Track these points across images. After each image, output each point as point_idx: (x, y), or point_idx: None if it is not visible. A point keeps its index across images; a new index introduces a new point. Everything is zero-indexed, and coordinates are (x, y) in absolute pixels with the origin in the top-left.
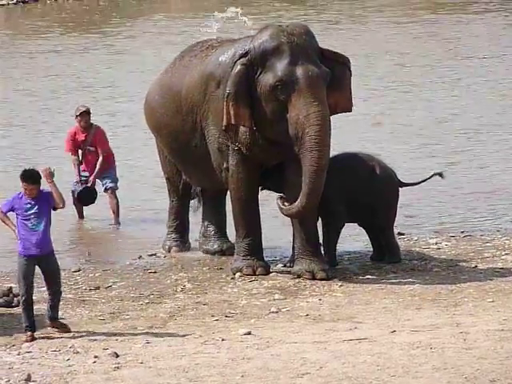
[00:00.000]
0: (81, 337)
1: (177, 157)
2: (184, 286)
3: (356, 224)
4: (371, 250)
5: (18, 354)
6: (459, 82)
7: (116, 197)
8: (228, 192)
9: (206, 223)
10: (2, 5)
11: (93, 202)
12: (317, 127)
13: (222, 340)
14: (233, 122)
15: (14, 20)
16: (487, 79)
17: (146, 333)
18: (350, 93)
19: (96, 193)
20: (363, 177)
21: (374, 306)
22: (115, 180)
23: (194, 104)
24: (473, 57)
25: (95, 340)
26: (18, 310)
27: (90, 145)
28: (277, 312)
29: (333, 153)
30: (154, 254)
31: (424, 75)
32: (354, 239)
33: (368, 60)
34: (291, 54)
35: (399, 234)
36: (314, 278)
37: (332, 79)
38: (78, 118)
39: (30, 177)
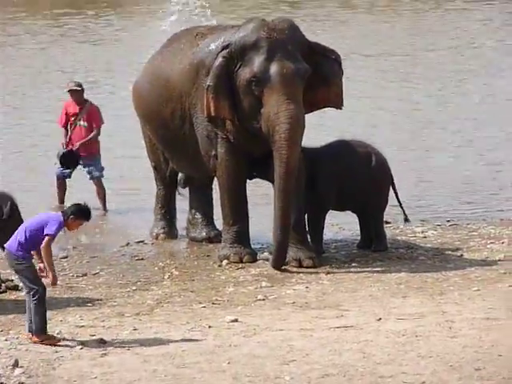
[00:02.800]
0: (68, 323)
1: (165, 144)
2: (171, 273)
3: (342, 212)
4: (358, 238)
5: (6, 340)
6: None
7: (102, 185)
8: (215, 179)
9: (193, 211)
10: None
11: (74, 167)
12: (286, 125)
13: (209, 327)
14: (213, 113)
15: None
16: None
17: (133, 319)
18: (340, 89)
19: (79, 158)
20: (357, 163)
21: (360, 293)
22: (100, 169)
23: (183, 91)
24: None
25: (82, 326)
26: (6, 296)
27: (83, 119)
28: (263, 299)
29: (327, 139)
30: (142, 241)
31: None
32: (340, 227)
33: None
34: (269, 49)
35: (386, 222)
36: (300, 266)
37: (320, 74)
38: (69, 93)
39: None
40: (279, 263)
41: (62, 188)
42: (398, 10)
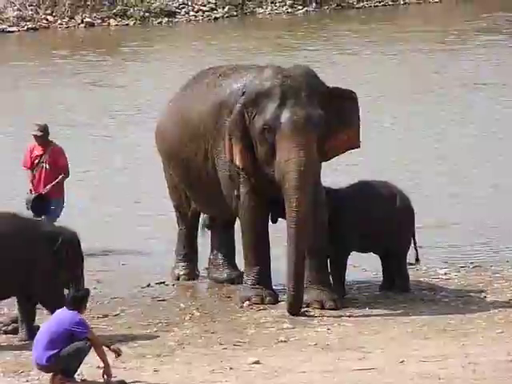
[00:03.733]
0: (89, 364)
1: (188, 184)
2: (192, 314)
3: (364, 253)
4: (380, 279)
5: (27, 381)
6: None
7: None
8: (237, 220)
9: (214, 251)
10: (13, 31)
11: (44, 213)
12: (296, 173)
13: (231, 369)
14: (232, 160)
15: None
16: None
17: (155, 361)
18: (358, 127)
19: (51, 201)
20: (380, 204)
21: (382, 335)
22: (59, 212)
23: (206, 131)
24: None
25: (103, 367)
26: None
27: (46, 162)
28: (285, 341)
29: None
30: (163, 282)
31: None
32: (362, 269)
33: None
34: (281, 96)
35: (409, 264)
36: (323, 308)
37: (341, 117)
38: (34, 137)
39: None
40: (294, 310)
41: None
42: None
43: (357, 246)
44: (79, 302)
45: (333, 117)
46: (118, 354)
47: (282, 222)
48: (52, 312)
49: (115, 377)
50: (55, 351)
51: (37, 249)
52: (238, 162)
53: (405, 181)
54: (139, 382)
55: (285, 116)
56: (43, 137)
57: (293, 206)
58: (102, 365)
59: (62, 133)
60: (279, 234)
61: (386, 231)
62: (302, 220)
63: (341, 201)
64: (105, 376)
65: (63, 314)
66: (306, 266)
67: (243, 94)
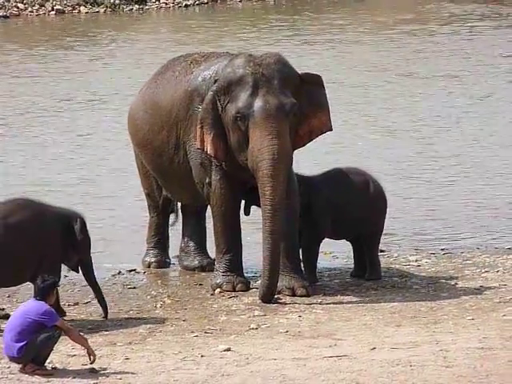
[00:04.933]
0: (59, 352)
1: (159, 172)
2: (163, 301)
3: (335, 240)
4: (351, 266)
5: None
6: None
7: None
8: (209, 207)
9: (185, 239)
10: None
11: None
12: (269, 162)
13: (202, 356)
14: (204, 148)
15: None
16: None
17: (125, 349)
18: (329, 111)
19: None
20: (353, 191)
21: (354, 322)
22: None
23: (177, 119)
24: None
25: (74, 356)
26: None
27: None
28: (256, 328)
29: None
30: (134, 270)
31: None
32: (334, 256)
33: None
34: (253, 85)
35: (380, 251)
36: (294, 295)
37: (313, 102)
38: None
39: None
40: (268, 298)
41: None
42: None
43: (329, 232)
44: (46, 291)
45: (305, 102)
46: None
47: (254, 209)
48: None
49: (85, 365)
50: (24, 342)
51: (50, 232)
52: (209, 150)
53: (380, 167)
54: (110, 369)
55: (257, 104)
56: None
57: (267, 194)
58: (72, 353)
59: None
60: (250, 220)
61: (358, 218)
62: (276, 208)
63: (313, 187)
64: (91, 357)
65: (30, 305)
66: None
67: (215, 81)
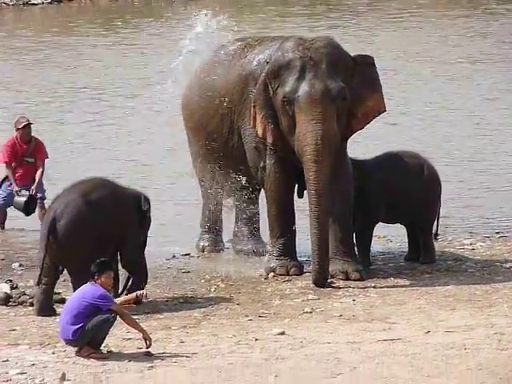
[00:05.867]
0: (115, 336)
1: (213, 157)
2: (218, 285)
3: (389, 224)
4: (405, 250)
5: (53, 353)
6: None
7: (44, 207)
8: (262, 191)
9: (239, 223)
10: (36, 4)
11: (34, 211)
12: (313, 147)
13: (256, 340)
14: (256, 130)
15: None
16: None
17: (180, 332)
18: (382, 92)
19: (37, 202)
20: (407, 175)
21: (408, 306)
22: (43, 191)
23: (232, 103)
24: None
25: (129, 339)
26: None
27: (29, 156)
28: (310, 312)
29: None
30: (188, 254)
31: None
32: (388, 240)
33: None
34: (301, 69)
35: (434, 234)
36: (347, 279)
37: (367, 84)
38: (20, 130)
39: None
40: (320, 282)
41: (2, 216)
42: None
43: (383, 216)
44: (100, 272)
45: (359, 84)
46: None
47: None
48: (133, 275)
49: (141, 348)
50: (80, 325)
51: (127, 210)
52: (259, 131)
53: (433, 150)
54: (165, 353)
55: (303, 89)
56: (30, 131)
57: (311, 179)
58: (128, 336)
59: None
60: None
61: (412, 202)
62: (320, 193)
63: (367, 171)
64: (147, 342)
65: (86, 289)
66: (331, 237)
67: (267, 64)
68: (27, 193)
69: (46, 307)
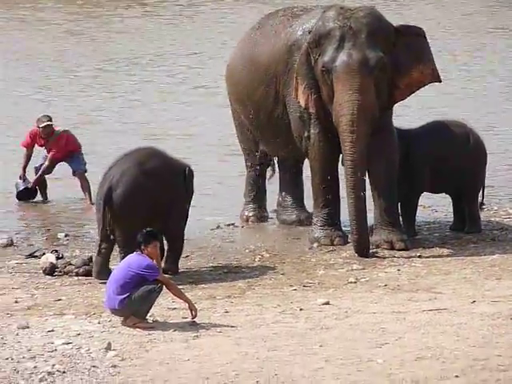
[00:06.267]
0: (160, 306)
1: (258, 127)
2: (262, 255)
3: (435, 194)
4: (450, 220)
5: (99, 323)
6: None
7: (86, 179)
8: (306, 161)
9: (283, 193)
10: None
11: (29, 199)
12: (348, 117)
13: (300, 310)
14: (298, 99)
15: None
16: None
17: (225, 302)
18: (433, 62)
19: (36, 193)
20: (453, 144)
21: (453, 276)
22: (83, 164)
23: (277, 73)
24: None
25: (175, 309)
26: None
27: (48, 151)
28: (355, 282)
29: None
30: (232, 224)
31: None
32: (433, 209)
33: None
34: (340, 38)
35: (480, 204)
36: (392, 248)
37: (412, 54)
38: (41, 129)
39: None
40: (361, 252)
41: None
42: None
43: (428, 186)
44: (146, 242)
45: (403, 55)
46: (195, 314)
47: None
48: (172, 245)
49: (186, 317)
50: (126, 295)
51: (178, 181)
52: (301, 100)
53: (479, 120)
54: (210, 323)
55: (340, 58)
56: (51, 129)
57: (346, 149)
58: (173, 306)
59: None
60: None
61: (458, 172)
62: (356, 163)
63: (412, 140)
64: (192, 312)
65: (132, 259)
66: (375, 206)
67: (309, 33)
68: (29, 185)
69: (104, 271)
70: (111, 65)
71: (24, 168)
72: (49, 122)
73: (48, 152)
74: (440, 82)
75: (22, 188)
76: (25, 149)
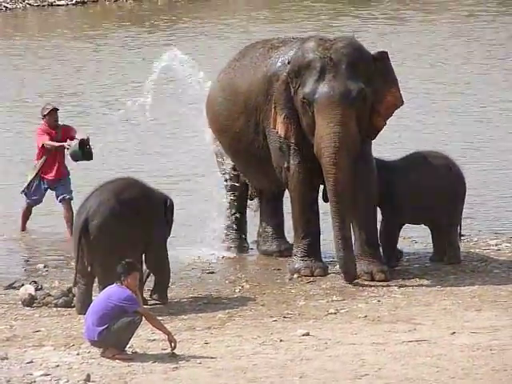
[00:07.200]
0: (139, 337)
1: (238, 158)
2: (242, 286)
3: (414, 225)
4: (430, 251)
5: (78, 354)
6: None
7: (71, 208)
8: (286, 192)
9: (263, 224)
10: (61, 5)
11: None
12: (330, 149)
13: (281, 341)
14: (277, 130)
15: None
16: None
17: (205, 333)
18: (398, 86)
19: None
20: (433, 176)
21: (433, 307)
22: (70, 191)
23: (256, 104)
24: None
25: (154, 340)
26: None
27: (60, 141)
28: (335, 313)
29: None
30: (213, 255)
31: None
32: (412, 241)
33: None
34: (321, 70)
35: (459, 235)
36: (372, 279)
37: (385, 79)
38: (47, 116)
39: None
40: (350, 277)
41: (26, 216)
42: None
43: (409, 218)
44: (126, 274)
45: (379, 81)
46: (175, 345)
47: None
48: (157, 276)
49: (166, 349)
50: (105, 326)
51: (157, 212)
52: (279, 130)
53: (458, 152)
54: (190, 354)
55: (321, 90)
56: (57, 116)
57: (329, 181)
58: (152, 337)
59: None
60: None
61: (438, 203)
62: (340, 196)
63: (393, 173)
64: (172, 344)
65: (112, 290)
66: (356, 237)
67: (289, 63)
68: (77, 141)
69: (87, 307)
70: None
71: (41, 169)
72: (53, 107)
73: (60, 141)
74: (403, 104)
75: (76, 143)
76: (48, 142)
